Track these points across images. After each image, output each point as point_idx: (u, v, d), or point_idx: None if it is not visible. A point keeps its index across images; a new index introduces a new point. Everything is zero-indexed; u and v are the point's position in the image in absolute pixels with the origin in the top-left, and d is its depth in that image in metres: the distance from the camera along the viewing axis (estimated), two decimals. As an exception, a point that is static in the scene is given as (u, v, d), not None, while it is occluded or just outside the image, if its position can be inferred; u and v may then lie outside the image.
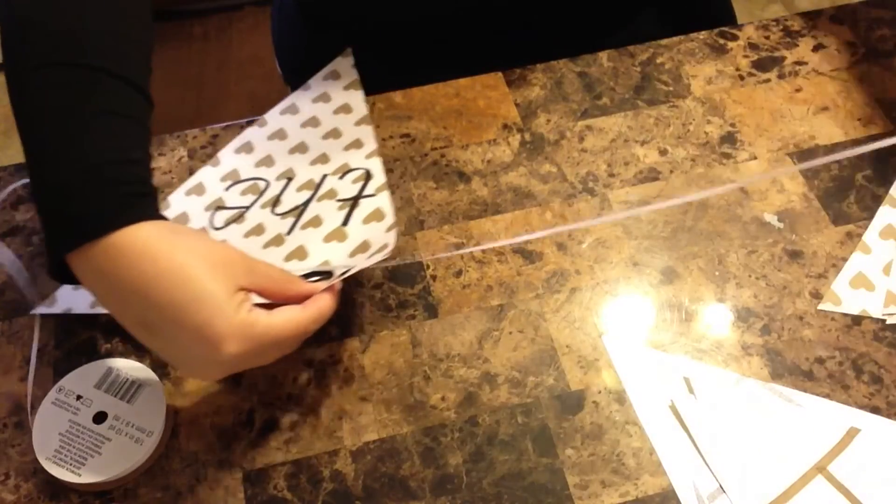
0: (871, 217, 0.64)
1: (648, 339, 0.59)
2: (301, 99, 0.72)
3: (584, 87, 0.73)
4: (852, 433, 0.54)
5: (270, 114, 0.71)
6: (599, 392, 0.56)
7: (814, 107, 0.71)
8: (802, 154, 0.67)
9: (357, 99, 0.71)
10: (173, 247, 0.47)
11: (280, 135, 0.70)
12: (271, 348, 0.50)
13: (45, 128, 0.49)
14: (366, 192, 0.63)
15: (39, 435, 0.54)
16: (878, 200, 0.65)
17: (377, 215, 0.61)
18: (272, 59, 0.95)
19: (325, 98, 0.71)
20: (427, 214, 0.65)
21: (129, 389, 0.56)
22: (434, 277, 0.62)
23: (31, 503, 0.53)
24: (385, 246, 0.57)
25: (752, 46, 0.75)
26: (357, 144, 0.67)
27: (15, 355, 0.59)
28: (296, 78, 0.76)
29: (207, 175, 0.68)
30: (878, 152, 0.67)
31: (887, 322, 0.59)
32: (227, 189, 0.67)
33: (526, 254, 0.63)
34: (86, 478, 0.52)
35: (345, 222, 0.62)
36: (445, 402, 0.57)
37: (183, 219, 0.65)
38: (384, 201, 0.62)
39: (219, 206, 0.66)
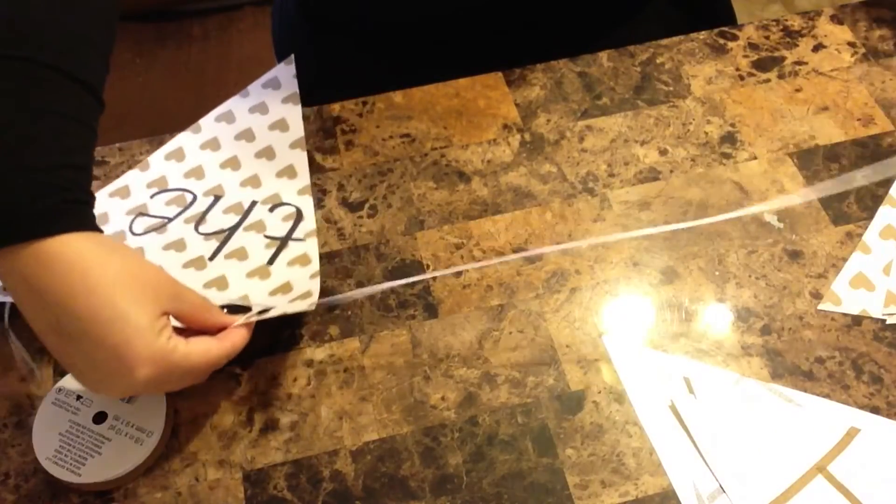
0: (871, 217, 0.64)
1: (648, 339, 0.59)
2: (238, 107, 0.71)
3: (584, 87, 0.73)
4: (852, 433, 0.54)
5: (206, 119, 0.70)
6: (599, 392, 0.56)
7: (814, 107, 0.71)
8: (802, 154, 0.67)
9: (294, 115, 0.70)
10: (105, 263, 0.47)
11: (213, 144, 0.69)
12: (182, 377, 0.50)
13: None
14: (295, 235, 0.63)
15: (39, 435, 0.54)
16: (878, 200, 0.65)
17: (303, 260, 0.61)
18: (272, 59, 0.94)
19: (262, 109, 0.70)
20: (427, 214, 0.65)
21: (129, 389, 0.56)
22: (434, 277, 0.62)
23: (31, 503, 0.53)
24: (308, 293, 0.57)
25: (752, 46, 0.75)
26: (290, 173, 0.66)
27: (15, 355, 0.59)
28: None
29: (134, 179, 0.67)
30: (878, 152, 0.67)
31: (887, 322, 0.59)
32: (153, 196, 0.66)
33: (526, 254, 0.63)
34: (86, 478, 0.52)
35: (270, 261, 0.61)
36: (445, 402, 0.57)
37: (102, 219, 0.64)
38: (312, 248, 0.62)
39: (141, 213, 0.65)
